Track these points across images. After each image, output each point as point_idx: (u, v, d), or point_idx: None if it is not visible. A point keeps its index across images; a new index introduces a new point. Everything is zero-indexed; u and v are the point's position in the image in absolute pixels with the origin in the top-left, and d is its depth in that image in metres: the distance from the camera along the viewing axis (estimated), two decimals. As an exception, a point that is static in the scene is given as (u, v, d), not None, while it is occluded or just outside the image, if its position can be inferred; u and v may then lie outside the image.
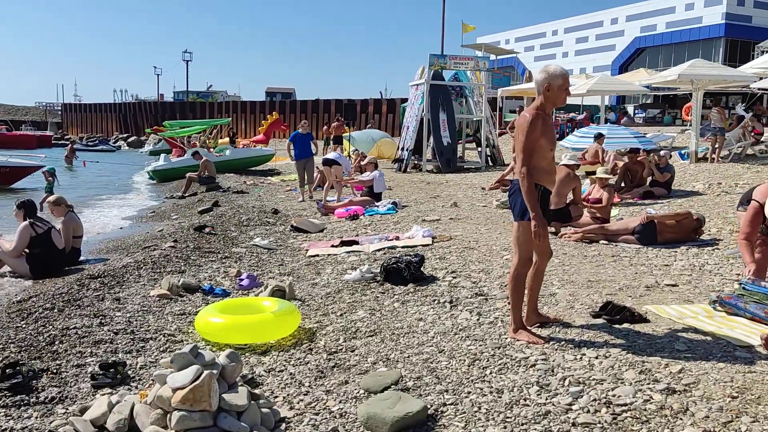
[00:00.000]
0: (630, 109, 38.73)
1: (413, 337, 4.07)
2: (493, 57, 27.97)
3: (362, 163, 11.26)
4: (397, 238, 7.41)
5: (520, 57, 50.16)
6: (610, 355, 3.48)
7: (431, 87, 17.06)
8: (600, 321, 4.08)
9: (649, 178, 11.32)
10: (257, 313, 4.27)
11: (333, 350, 3.94)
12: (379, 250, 6.92)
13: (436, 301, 4.81)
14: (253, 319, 4.08)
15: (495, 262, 5.94)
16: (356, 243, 7.40)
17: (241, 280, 5.71)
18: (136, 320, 4.47)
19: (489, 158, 18.11)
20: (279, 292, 5.15)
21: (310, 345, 4.07)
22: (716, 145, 14.60)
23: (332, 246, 7.38)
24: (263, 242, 7.66)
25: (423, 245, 6.93)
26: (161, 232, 8.96)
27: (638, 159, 11.49)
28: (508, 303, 4.60)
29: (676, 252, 6.53)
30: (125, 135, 55.22)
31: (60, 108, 73.13)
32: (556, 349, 3.64)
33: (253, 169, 20.98)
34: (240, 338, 4.03)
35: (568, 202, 7.73)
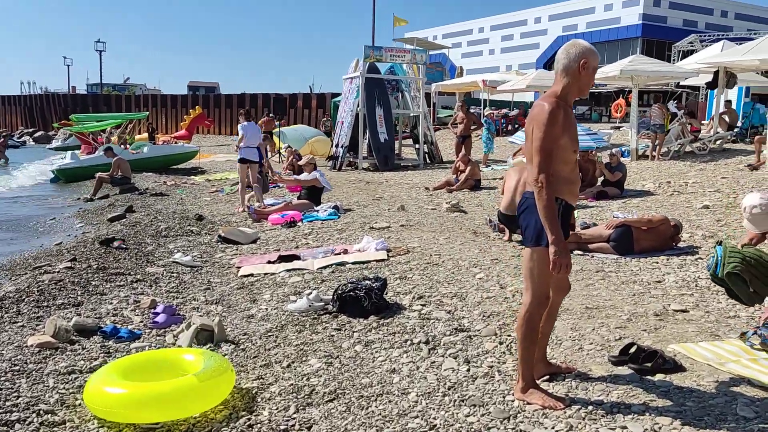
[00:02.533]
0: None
1: (389, 401, 3.07)
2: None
3: (300, 163, 10.03)
4: (346, 252, 6.37)
5: (448, 53, 50.03)
6: (661, 428, 2.60)
7: (367, 80, 16.09)
8: (624, 369, 3.21)
9: (601, 178, 10.83)
10: (175, 374, 3.13)
11: (281, 427, 2.88)
12: (325, 267, 5.87)
13: (408, 342, 3.82)
14: (170, 388, 2.94)
15: (467, 283, 5.02)
16: (297, 258, 6.31)
17: (156, 314, 4.51)
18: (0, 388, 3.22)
19: (427, 155, 17.36)
20: (206, 333, 4.02)
21: (248, 419, 2.98)
22: (656, 143, 14.40)
23: (269, 262, 6.25)
24: (185, 258, 6.43)
25: (377, 260, 5.93)
26: (59, 247, 7.52)
27: (589, 157, 10.99)
28: (499, 342, 3.70)
29: (657, 263, 5.84)
30: (31, 130, 51.15)
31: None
32: (584, 419, 2.73)
33: (174, 167, 19.30)
34: (150, 416, 2.89)
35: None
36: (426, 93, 20.24)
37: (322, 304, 4.59)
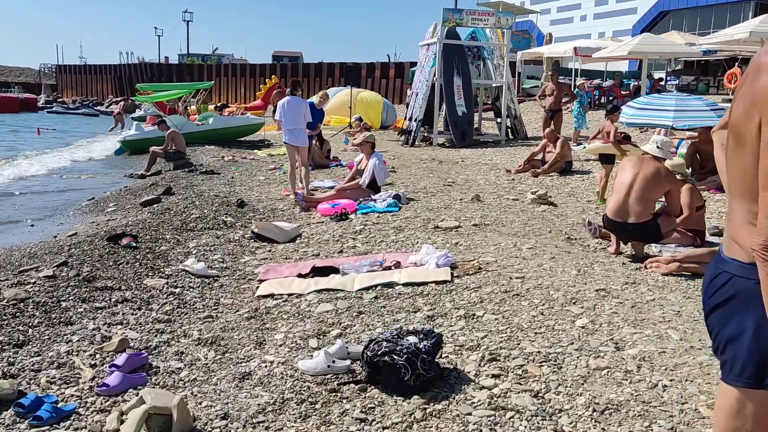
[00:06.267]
0: (656, 76, 35.54)
1: None
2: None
3: (355, 142, 8.52)
4: (398, 265, 4.88)
5: (536, 20, 46.79)
6: None
7: (445, 47, 14.35)
8: None
9: (727, 164, 8.74)
10: None
11: None
12: (366, 289, 4.40)
13: (468, 465, 2.31)
14: None
15: (563, 334, 3.41)
16: (335, 271, 4.88)
17: (113, 368, 3.19)
18: None
19: (510, 131, 15.53)
20: (161, 418, 2.65)
21: None
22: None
23: (299, 275, 4.87)
24: (197, 266, 5.13)
25: (437, 282, 4.40)
26: (72, 238, 6.46)
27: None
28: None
29: None
30: (120, 98, 52.53)
31: (55, 70, 69.86)
32: None
33: (240, 140, 18.37)
34: None
35: (657, 211, 5.16)
36: (510, 61, 18.23)
37: (347, 363, 3.13)
